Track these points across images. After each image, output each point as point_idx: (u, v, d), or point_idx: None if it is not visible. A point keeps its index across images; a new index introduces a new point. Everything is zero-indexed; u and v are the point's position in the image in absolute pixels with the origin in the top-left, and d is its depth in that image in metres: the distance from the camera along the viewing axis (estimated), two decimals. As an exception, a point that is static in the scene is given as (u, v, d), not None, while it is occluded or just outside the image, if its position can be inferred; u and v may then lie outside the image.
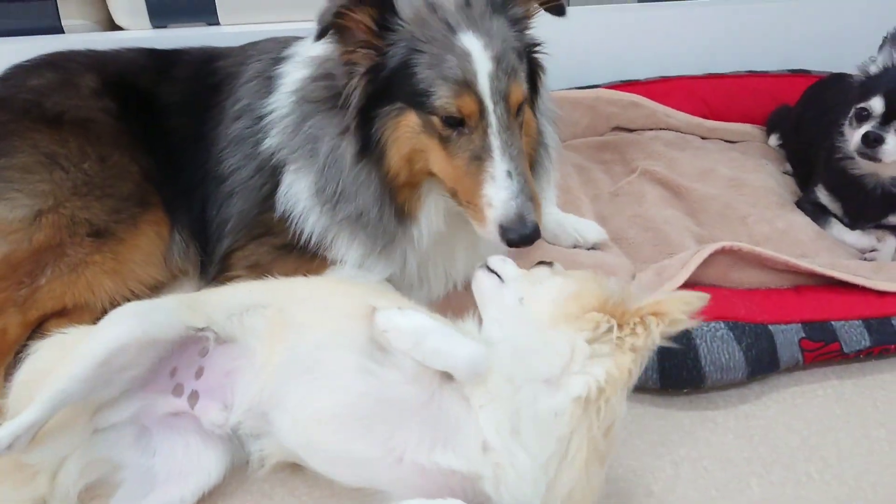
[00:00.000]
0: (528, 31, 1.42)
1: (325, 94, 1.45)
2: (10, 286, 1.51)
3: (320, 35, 1.32)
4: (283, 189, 1.51)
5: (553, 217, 1.65)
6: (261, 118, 1.57)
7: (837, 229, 1.75)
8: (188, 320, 1.18)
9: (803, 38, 2.28)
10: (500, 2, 1.35)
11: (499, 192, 1.32)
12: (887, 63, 1.70)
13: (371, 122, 1.38)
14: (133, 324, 1.16)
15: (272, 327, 1.22)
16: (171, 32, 2.10)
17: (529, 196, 1.31)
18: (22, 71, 1.76)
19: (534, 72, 1.43)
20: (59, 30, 2.11)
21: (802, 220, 1.74)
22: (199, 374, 1.22)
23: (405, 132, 1.37)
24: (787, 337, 1.45)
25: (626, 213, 1.76)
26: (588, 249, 1.64)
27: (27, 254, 1.52)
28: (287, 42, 1.67)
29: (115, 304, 1.55)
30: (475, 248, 1.47)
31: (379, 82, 1.36)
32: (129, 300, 1.57)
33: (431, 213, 1.43)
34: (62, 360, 1.14)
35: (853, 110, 1.68)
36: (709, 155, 2.01)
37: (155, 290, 1.67)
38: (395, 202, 1.44)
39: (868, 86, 1.67)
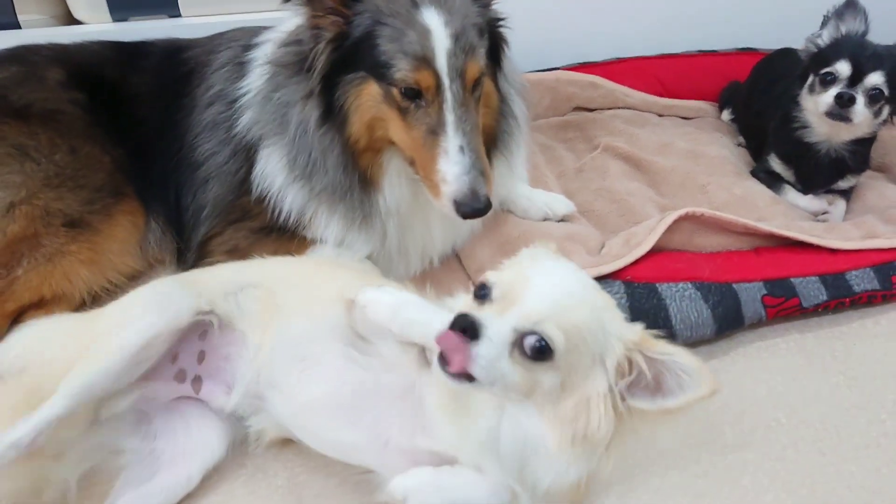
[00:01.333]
0: (491, 6, 1.46)
1: (293, 58, 1.50)
2: None
3: None
4: (258, 168, 1.54)
5: (523, 192, 1.71)
6: (234, 102, 1.60)
7: (791, 195, 1.85)
8: (198, 305, 1.19)
9: (751, 18, 2.37)
10: None
11: (452, 168, 1.38)
12: (835, 36, 1.80)
13: (334, 88, 1.43)
14: (158, 315, 1.16)
15: (263, 309, 1.24)
16: (131, 25, 2.09)
17: (481, 170, 1.37)
18: None
19: (497, 45, 1.48)
20: (15, 25, 2.07)
21: (758, 188, 1.84)
22: (200, 358, 1.24)
23: (367, 100, 1.42)
24: (751, 294, 1.53)
25: (592, 186, 1.83)
26: (557, 222, 1.70)
27: (2, 245, 1.50)
28: (256, 31, 1.69)
29: (92, 294, 1.57)
30: (452, 223, 1.52)
31: (343, 50, 1.41)
32: (106, 290, 1.60)
33: (394, 180, 1.49)
34: (78, 350, 1.12)
35: (815, 77, 1.77)
36: (666, 130, 2.10)
37: (132, 279, 1.68)
38: (358, 168, 1.49)
39: (828, 53, 1.78)
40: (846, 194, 1.88)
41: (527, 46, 1.78)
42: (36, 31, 2.05)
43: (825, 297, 1.55)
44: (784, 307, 1.54)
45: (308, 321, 1.21)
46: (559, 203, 1.68)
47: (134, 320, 1.16)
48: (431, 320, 1.04)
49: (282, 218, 1.54)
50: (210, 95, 1.67)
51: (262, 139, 1.54)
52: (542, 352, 0.95)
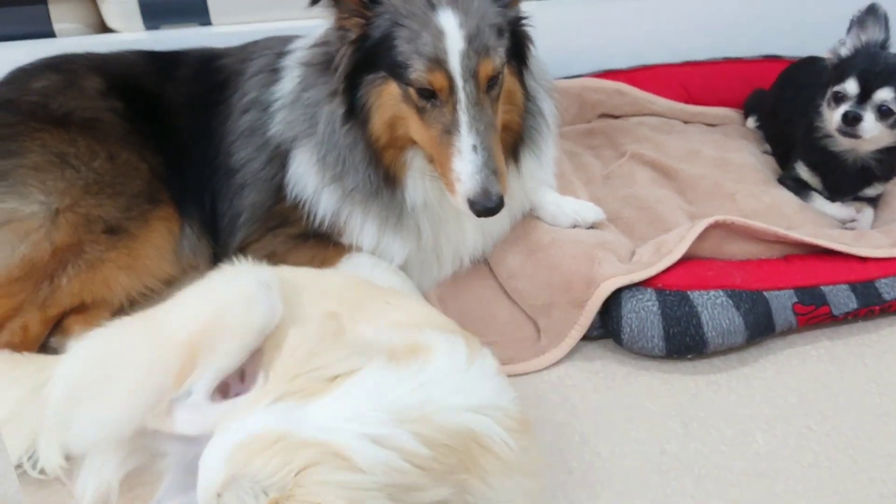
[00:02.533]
0: (514, 5, 1.50)
1: (321, 58, 1.57)
2: (29, 287, 1.55)
3: (315, 0, 1.43)
4: (291, 171, 1.61)
5: (552, 199, 1.74)
6: (268, 107, 1.67)
7: (819, 202, 1.86)
8: None
9: (775, 26, 2.38)
10: None
11: (465, 166, 1.42)
12: (856, 45, 1.81)
13: (357, 88, 1.50)
14: (269, 306, 1.20)
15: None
16: (163, 34, 2.12)
17: (493, 169, 1.41)
18: (24, 74, 1.78)
19: (521, 43, 1.52)
20: (50, 34, 2.11)
21: (786, 195, 1.84)
22: (241, 378, 1.25)
23: (387, 100, 1.48)
24: (781, 302, 1.54)
25: (620, 194, 1.84)
26: (587, 229, 1.72)
27: (49, 254, 1.55)
28: (288, 39, 1.74)
29: (130, 300, 1.63)
30: (482, 221, 1.54)
31: (365, 51, 1.46)
32: (144, 295, 1.65)
33: (418, 177, 1.54)
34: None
35: (829, 93, 1.77)
36: (692, 137, 2.11)
37: (167, 284, 1.71)
38: (382, 165, 1.55)
39: (841, 68, 1.77)
40: (874, 202, 1.88)
41: (552, 54, 1.80)
42: (70, 39, 2.08)
43: (855, 305, 1.56)
44: (814, 315, 1.55)
45: None
46: (588, 210, 1.71)
47: (260, 298, 1.20)
48: None
49: (317, 222, 1.59)
50: (245, 102, 1.72)
51: (294, 141, 1.62)
52: None
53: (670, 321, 1.47)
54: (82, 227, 1.59)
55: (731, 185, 1.83)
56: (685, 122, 2.24)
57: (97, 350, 1.24)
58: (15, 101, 1.71)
